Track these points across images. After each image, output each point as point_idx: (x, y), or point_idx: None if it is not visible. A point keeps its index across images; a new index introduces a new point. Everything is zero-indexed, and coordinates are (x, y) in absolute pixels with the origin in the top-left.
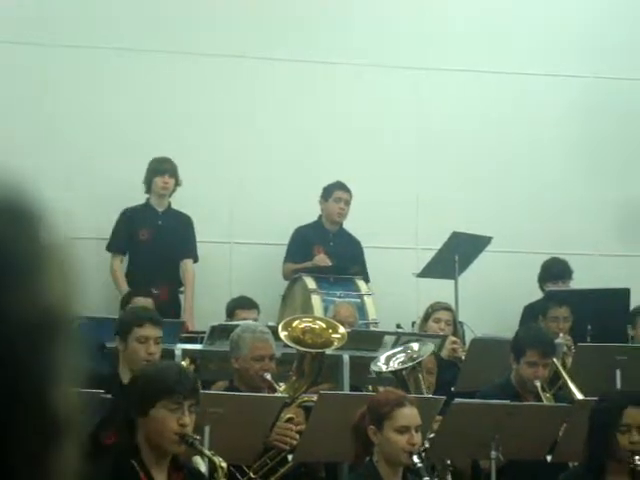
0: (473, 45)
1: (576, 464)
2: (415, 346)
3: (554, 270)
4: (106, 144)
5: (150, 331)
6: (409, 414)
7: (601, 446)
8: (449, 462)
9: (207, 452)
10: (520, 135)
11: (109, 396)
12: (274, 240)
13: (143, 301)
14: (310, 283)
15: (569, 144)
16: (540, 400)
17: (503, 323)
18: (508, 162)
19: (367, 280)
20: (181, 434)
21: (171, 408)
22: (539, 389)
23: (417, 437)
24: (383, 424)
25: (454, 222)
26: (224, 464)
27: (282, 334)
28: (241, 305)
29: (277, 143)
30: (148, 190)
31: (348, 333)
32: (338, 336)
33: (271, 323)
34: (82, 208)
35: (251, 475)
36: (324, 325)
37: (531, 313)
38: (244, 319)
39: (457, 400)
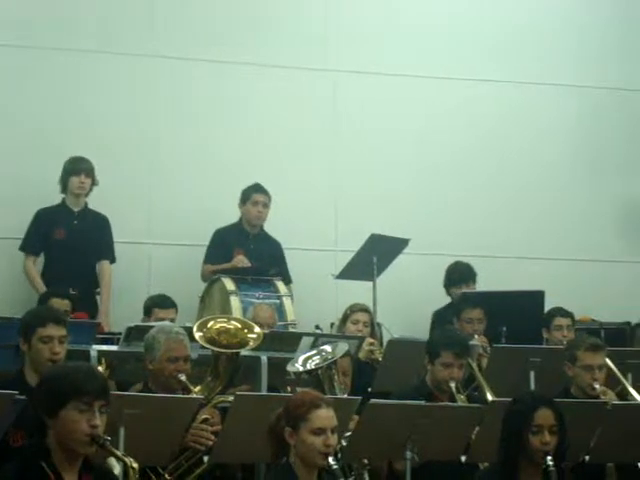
0: (390, 46)
1: (487, 464)
2: (329, 347)
3: (457, 274)
4: (17, 143)
5: (53, 330)
6: (325, 416)
7: (514, 447)
8: (366, 461)
9: (118, 453)
10: (441, 138)
11: (22, 397)
12: (193, 241)
13: (60, 302)
14: (229, 284)
15: (490, 146)
16: (454, 401)
17: (420, 325)
18: (428, 165)
19: (289, 282)
20: (92, 435)
21: (81, 409)
22: (453, 390)
23: (333, 439)
24: (299, 425)
25: (372, 224)
26: (135, 465)
27: (197, 335)
28: (159, 304)
29: (195, 143)
30: (64, 190)
31: (266, 334)
32: (254, 336)
33: (188, 324)
34: None
35: (166, 477)
36: (239, 325)
37: (440, 318)
38: (162, 319)
39: (372, 400)
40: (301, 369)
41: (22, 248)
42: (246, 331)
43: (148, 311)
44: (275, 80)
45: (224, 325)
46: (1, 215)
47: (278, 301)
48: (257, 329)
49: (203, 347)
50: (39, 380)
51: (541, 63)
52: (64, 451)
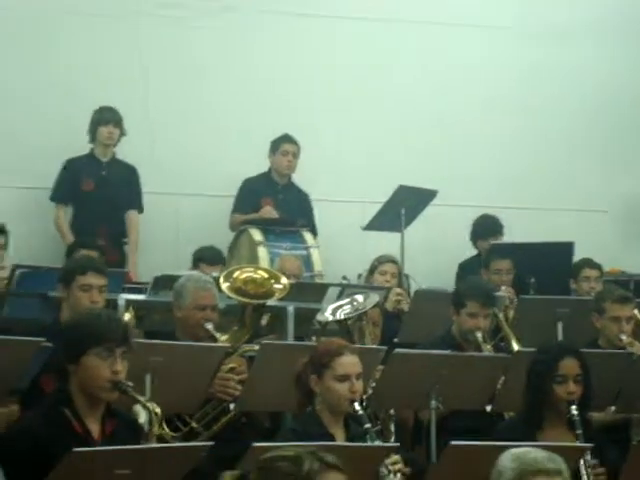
0: None
1: (512, 414)
2: (360, 297)
3: (484, 226)
4: (47, 93)
5: (93, 279)
6: (349, 362)
7: (539, 396)
8: (393, 412)
9: (140, 398)
10: (469, 90)
11: (50, 344)
12: (222, 191)
13: (88, 252)
14: (256, 235)
15: (518, 101)
16: (480, 351)
17: (447, 276)
18: (457, 116)
19: (315, 233)
20: (113, 381)
21: (102, 355)
22: (479, 340)
23: (358, 385)
24: (324, 373)
25: (400, 176)
26: (158, 410)
27: (223, 285)
28: (207, 259)
29: (227, 92)
30: (92, 140)
31: (293, 285)
32: (280, 286)
33: (215, 274)
34: (22, 158)
35: (193, 424)
36: (266, 275)
37: (466, 270)
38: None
39: (397, 350)
40: (331, 318)
41: (52, 198)
42: (273, 281)
43: (195, 264)
44: (306, 29)
45: (251, 275)
46: (30, 164)
47: (305, 252)
48: (284, 279)
49: (231, 297)
50: (62, 327)
51: None
52: (86, 397)
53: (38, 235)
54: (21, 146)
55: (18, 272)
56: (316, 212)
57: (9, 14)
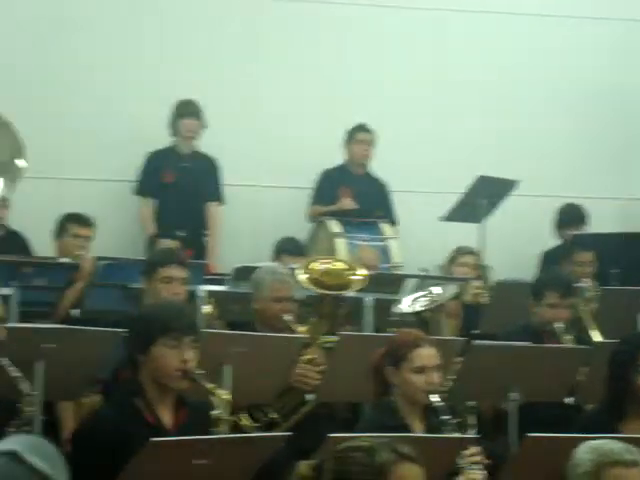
0: None
1: (592, 406)
2: (438, 289)
3: (568, 216)
4: (129, 87)
5: (175, 271)
6: (426, 354)
7: (620, 387)
8: (472, 404)
9: (210, 386)
10: (553, 77)
11: None
12: (301, 183)
13: (169, 244)
14: (335, 226)
15: (599, 89)
16: (560, 342)
17: (527, 267)
18: (538, 106)
19: (394, 224)
20: (182, 370)
21: (171, 345)
22: (560, 331)
23: (435, 377)
24: (401, 364)
25: (479, 166)
26: (227, 396)
27: (301, 276)
28: (288, 250)
29: (307, 83)
30: (174, 133)
31: (371, 276)
32: (358, 277)
33: (294, 265)
34: (106, 151)
35: (272, 415)
36: (344, 266)
37: (550, 258)
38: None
39: (477, 342)
40: (408, 310)
41: (135, 191)
42: (350, 272)
43: (277, 255)
44: (385, 21)
45: (328, 266)
46: (113, 157)
47: (383, 243)
48: (361, 270)
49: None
50: (132, 319)
51: None
52: (157, 387)
53: (121, 227)
54: (105, 139)
55: (100, 264)
56: (396, 203)
57: (96, 14)
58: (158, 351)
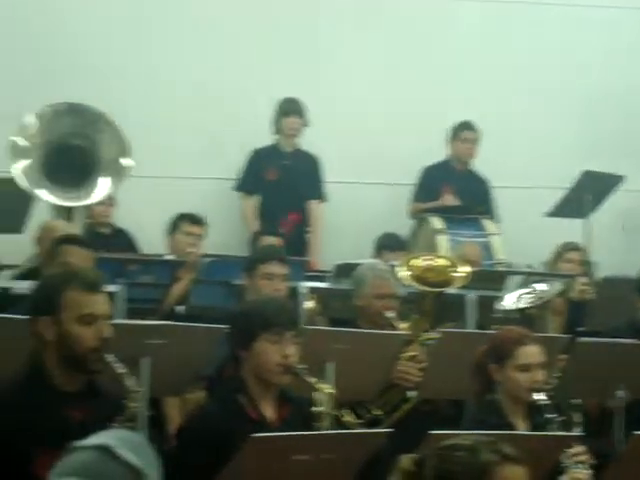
0: None
1: None
2: (542, 286)
3: None
4: (233, 86)
5: (276, 268)
6: (531, 352)
7: None
8: (578, 402)
9: (312, 381)
10: None
11: None
12: (402, 179)
13: (271, 240)
14: (436, 223)
15: None
16: None
17: (634, 263)
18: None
19: (497, 220)
20: (284, 365)
21: (272, 340)
22: None
23: (539, 375)
24: (505, 362)
25: (582, 161)
26: (331, 391)
27: (403, 273)
28: (389, 246)
29: (406, 80)
30: (277, 131)
31: (473, 272)
32: (460, 274)
33: (395, 262)
34: (210, 150)
35: (375, 412)
36: (446, 263)
37: None
38: (389, 261)
39: (582, 339)
40: (513, 307)
41: (238, 188)
42: (452, 269)
43: (378, 251)
44: (489, 17)
45: (430, 263)
46: (216, 156)
47: (486, 239)
48: (464, 267)
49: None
50: (234, 315)
51: None
52: (259, 383)
53: (225, 224)
54: (209, 138)
55: (205, 260)
56: (498, 199)
57: (200, 16)
58: (260, 347)
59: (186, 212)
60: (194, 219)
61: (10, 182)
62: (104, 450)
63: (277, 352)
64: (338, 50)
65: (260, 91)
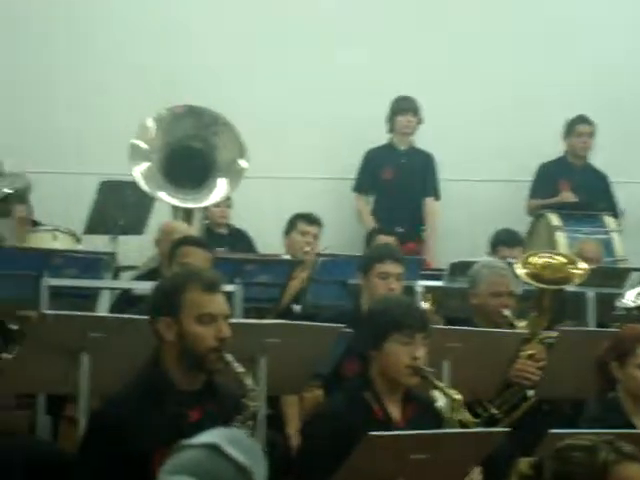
0: None
1: None
2: None
3: None
4: (346, 85)
5: (391, 267)
6: None
7: None
8: None
9: (440, 384)
10: None
11: (349, 330)
12: (516, 176)
13: (387, 239)
14: (555, 220)
15: None
16: None
17: None
18: None
19: (615, 216)
20: (413, 366)
21: (403, 342)
22: None
23: None
24: (626, 360)
25: None
26: (458, 396)
27: (520, 270)
28: (505, 241)
29: (515, 82)
30: (391, 129)
31: (592, 269)
32: (578, 271)
33: (512, 259)
34: (324, 149)
35: (493, 411)
36: (564, 260)
37: None
38: (505, 257)
39: None
40: (632, 305)
41: (355, 188)
42: (571, 266)
43: (494, 247)
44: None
45: (548, 260)
46: (331, 156)
47: (606, 236)
48: (582, 264)
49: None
50: (363, 315)
51: None
52: (387, 383)
53: (340, 224)
54: (324, 138)
55: (320, 260)
56: (619, 194)
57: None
58: (390, 347)
59: (302, 212)
60: (310, 219)
61: (132, 185)
62: (213, 448)
63: (407, 353)
64: (450, 48)
65: (374, 91)
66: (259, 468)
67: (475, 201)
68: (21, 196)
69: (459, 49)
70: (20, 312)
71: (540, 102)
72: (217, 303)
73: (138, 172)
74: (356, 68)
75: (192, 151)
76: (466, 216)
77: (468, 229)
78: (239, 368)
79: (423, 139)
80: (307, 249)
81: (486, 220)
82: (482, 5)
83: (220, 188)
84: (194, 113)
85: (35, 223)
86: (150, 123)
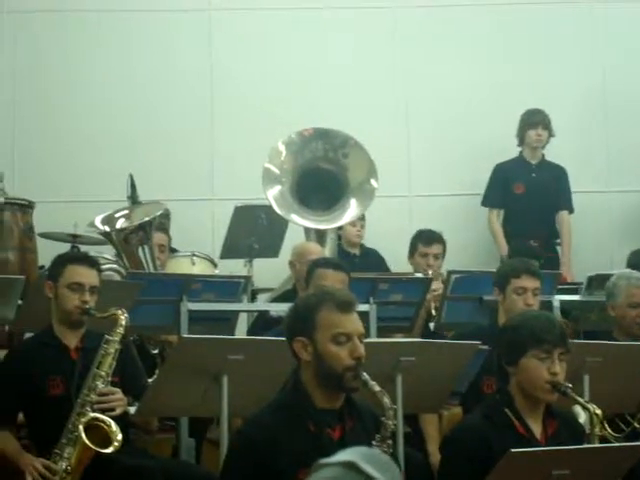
0: None
1: None
2: None
3: None
4: (475, 104)
5: (528, 282)
6: None
7: None
8: None
9: (581, 400)
10: None
11: (485, 347)
12: None
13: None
14: None
15: None
16: None
17: None
18: None
19: None
20: (552, 382)
21: (541, 357)
22: None
23: None
24: None
25: None
26: (598, 411)
27: None
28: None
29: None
30: (521, 143)
31: None
32: None
33: None
34: (457, 164)
35: (635, 425)
36: None
37: None
38: None
39: None
40: None
41: (484, 203)
42: None
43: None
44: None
45: None
46: (460, 172)
47: None
48: None
49: None
50: (500, 329)
51: None
52: (526, 399)
53: (470, 240)
54: (453, 154)
55: (453, 277)
56: None
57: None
58: (528, 363)
59: (421, 230)
60: (428, 239)
61: (265, 209)
62: (349, 466)
63: (545, 369)
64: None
65: (505, 104)
66: None
67: (612, 212)
68: (160, 224)
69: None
70: (161, 337)
71: None
72: (352, 322)
73: (271, 196)
74: (488, 84)
75: (323, 172)
76: (603, 228)
77: (606, 241)
78: (376, 387)
79: (554, 152)
80: (429, 272)
81: (623, 230)
82: None
83: (352, 208)
84: (323, 135)
85: (172, 250)
86: (281, 147)
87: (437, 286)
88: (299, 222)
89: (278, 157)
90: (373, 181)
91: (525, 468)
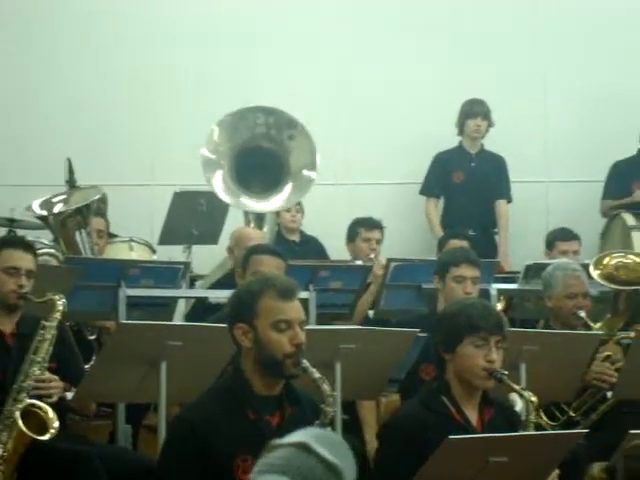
0: None
1: None
2: None
3: None
4: (415, 89)
5: (467, 271)
6: None
7: None
8: None
9: (516, 387)
10: None
11: (424, 334)
12: (590, 176)
13: (459, 243)
14: (630, 219)
15: None
16: None
17: None
18: None
19: None
20: (488, 369)
21: (477, 344)
22: None
23: None
24: None
25: None
26: (534, 399)
27: (594, 272)
28: (561, 237)
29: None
30: (460, 132)
31: None
32: None
33: (586, 261)
34: (397, 154)
35: (570, 413)
36: (638, 260)
37: None
38: (564, 251)
39: None
40: None
41: (422, 192)
42: None
43: (550, 244)
44: None
45: (621, 260)
46: (401, 160)
47: None
48: None
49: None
50: (437, 317)
51: None
52: (463, 386)
53: (409, 229)
54: (392, 143)
55: (392, 265)
56: None
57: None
58: (464, 350)
59: (361, 217)
60: (371, 224)
61: (205, 195)
62: (302, 447)
63: (482, 356)
64: (518, 48)
65: (442, 93)
66: (348, 467)
67: (550, 202)
68: (97, 209)
69: (521, 48)
70: (98, 322)
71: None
72: (293, 309)
73: (215, 184)
74: (431, 70)
75: (263, 151)
76: (541, 217)
77: (543, 230)
78: (316, 374)
79: (493, 142)
80: (372, 256)
81: (561, 221)
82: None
83: (286, 193)
84: (267, 112)
85: (111, 235)
86: (214, 128)
87: (380, 271)
88: (238, 206)
89: (212, 139)
90: (312, 172)
91: (462, 455)
